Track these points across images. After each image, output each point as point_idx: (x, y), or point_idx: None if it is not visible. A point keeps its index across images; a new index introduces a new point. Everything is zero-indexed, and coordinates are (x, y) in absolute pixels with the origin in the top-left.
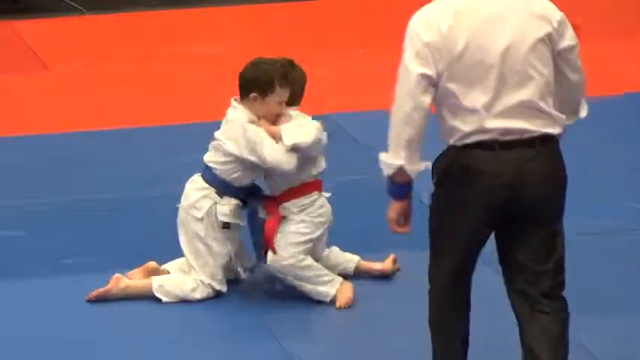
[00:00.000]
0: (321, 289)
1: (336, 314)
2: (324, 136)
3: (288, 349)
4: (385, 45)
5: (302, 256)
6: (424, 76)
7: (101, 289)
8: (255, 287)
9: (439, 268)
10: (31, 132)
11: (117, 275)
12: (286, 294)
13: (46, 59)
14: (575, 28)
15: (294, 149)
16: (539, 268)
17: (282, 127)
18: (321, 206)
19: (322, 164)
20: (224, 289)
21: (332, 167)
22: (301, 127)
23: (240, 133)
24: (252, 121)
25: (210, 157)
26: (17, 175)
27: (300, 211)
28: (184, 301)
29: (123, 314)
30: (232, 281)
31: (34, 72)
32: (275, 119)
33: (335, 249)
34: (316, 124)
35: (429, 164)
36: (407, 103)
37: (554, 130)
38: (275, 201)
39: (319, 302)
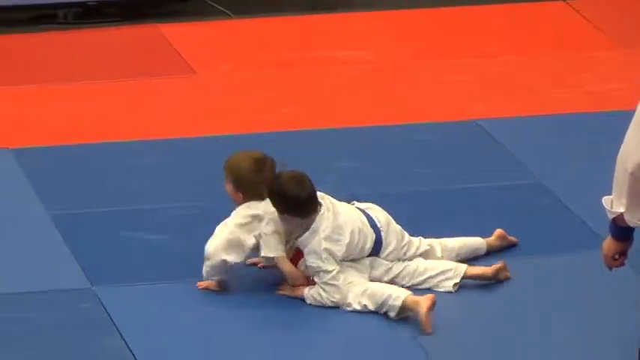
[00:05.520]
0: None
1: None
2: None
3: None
4: (526, 52)
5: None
6: None
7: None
8: None
9: None
10: (178, 135)
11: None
12: None
13: (193, 63)
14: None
15: None
16: None
17: None
18: None
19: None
20: None
21: (477, 174)
22: None
23: None
24: None
25: None
26: (163, 179)
27: None
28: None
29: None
30: None
31: (182, 76)
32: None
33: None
34: None
35: None
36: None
37: None
38: None
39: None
